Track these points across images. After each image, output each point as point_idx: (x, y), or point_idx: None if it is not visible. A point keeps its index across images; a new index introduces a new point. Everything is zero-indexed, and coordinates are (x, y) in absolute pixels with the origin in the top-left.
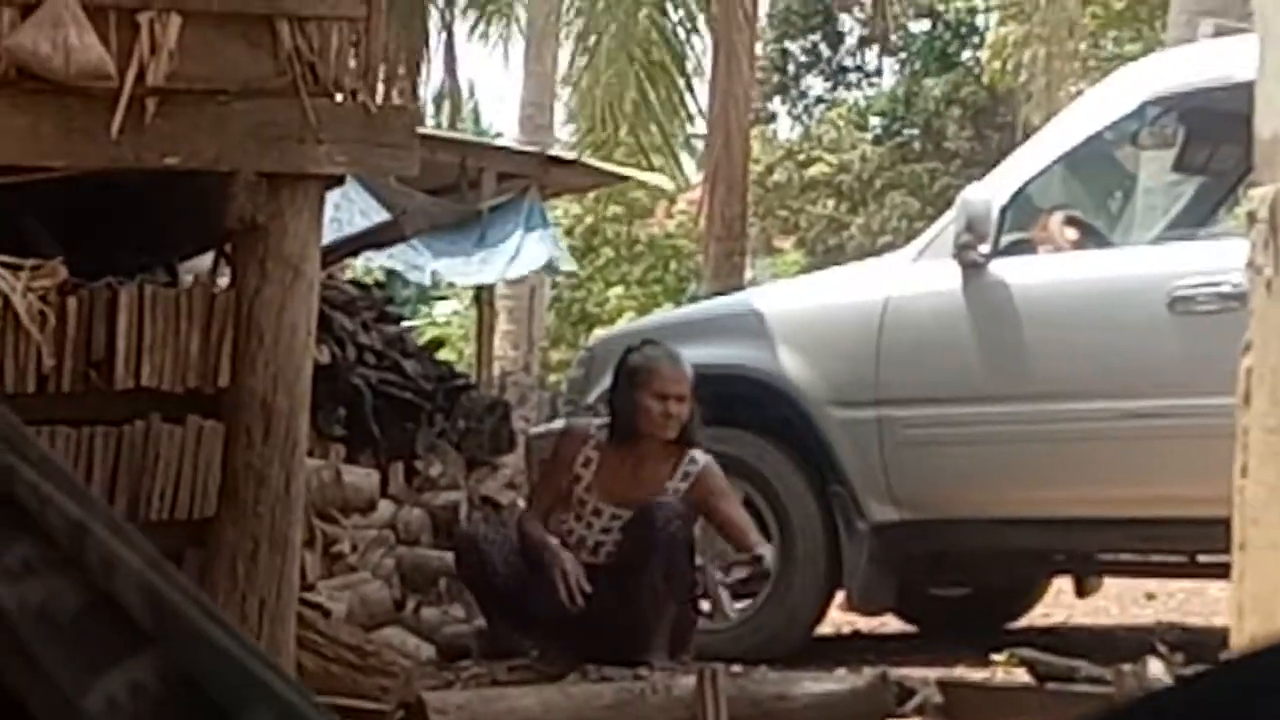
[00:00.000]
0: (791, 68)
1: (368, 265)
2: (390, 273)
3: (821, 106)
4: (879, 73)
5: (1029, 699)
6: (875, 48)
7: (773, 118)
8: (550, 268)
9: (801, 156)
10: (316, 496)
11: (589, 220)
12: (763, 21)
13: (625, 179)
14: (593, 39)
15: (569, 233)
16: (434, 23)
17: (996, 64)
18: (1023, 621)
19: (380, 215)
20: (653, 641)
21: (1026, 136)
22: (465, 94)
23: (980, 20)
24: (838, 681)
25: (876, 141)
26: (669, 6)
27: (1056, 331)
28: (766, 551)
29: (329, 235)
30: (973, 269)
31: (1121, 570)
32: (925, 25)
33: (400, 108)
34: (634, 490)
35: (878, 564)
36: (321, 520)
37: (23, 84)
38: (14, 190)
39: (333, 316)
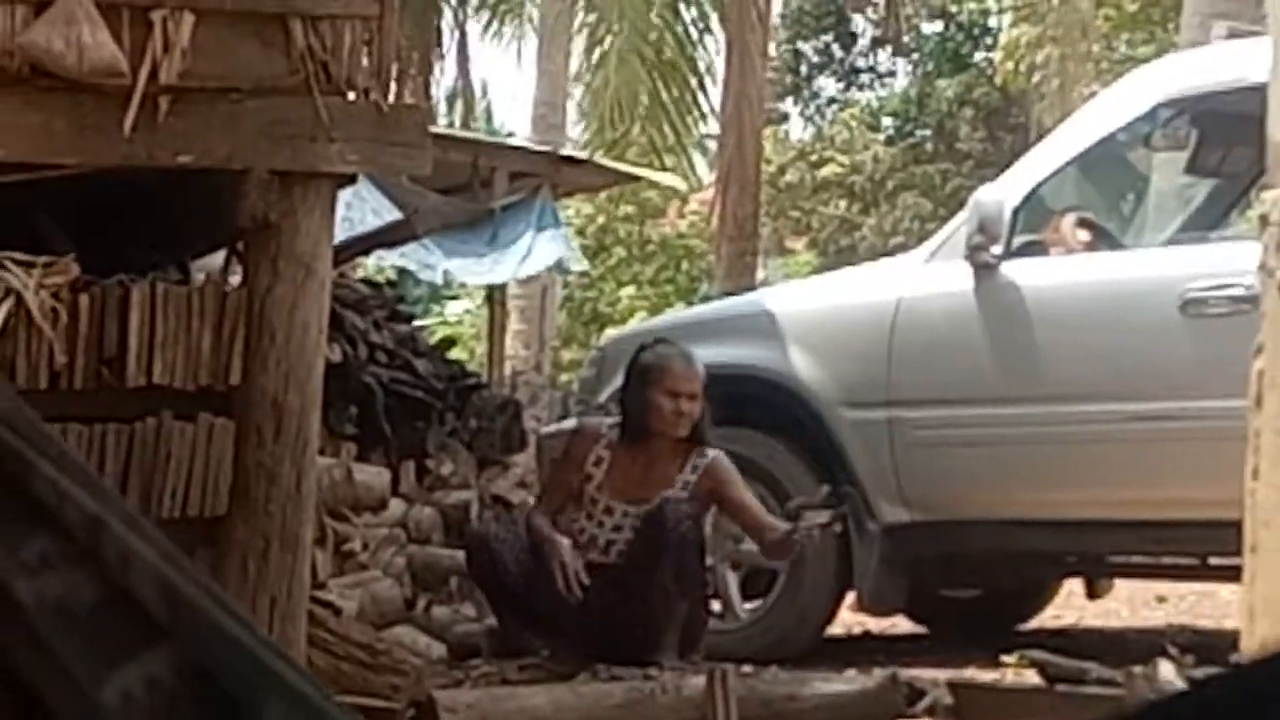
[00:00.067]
0: (804, 68)
1: (379, 264)
2: (402, 271)
3: (834, 107)
4: (892, 73)
5: (1039, 701)
6: (888, 49)
7: (785, 118)
8: (561, 267)
9: (814, 157)
10: (328, 495)
11: (601, 220)
12: (775, 22)
13: (637, 179)
14: (605, 39)
15: (581, 232)
16: (447, 22)
17: (1009, 65)
18: (1033, 623)
19: (392, 214)
20: (663, 641)
21: (1039, 138)
22: (478, 93)
23: (993, 21)
24: (848, 682)
25: (889, 142)
26: (681, 7)
27: (1068, 333)
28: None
29: (341, 234)
30: (985, 270)
31: (1133, 572)
32: (938, 26)
33: (413, 106)
34: (645, 488)
35: (888, 565)
36: (332, 518)
37: (36, 81)
38: (27, 187)
39: (344, 315)
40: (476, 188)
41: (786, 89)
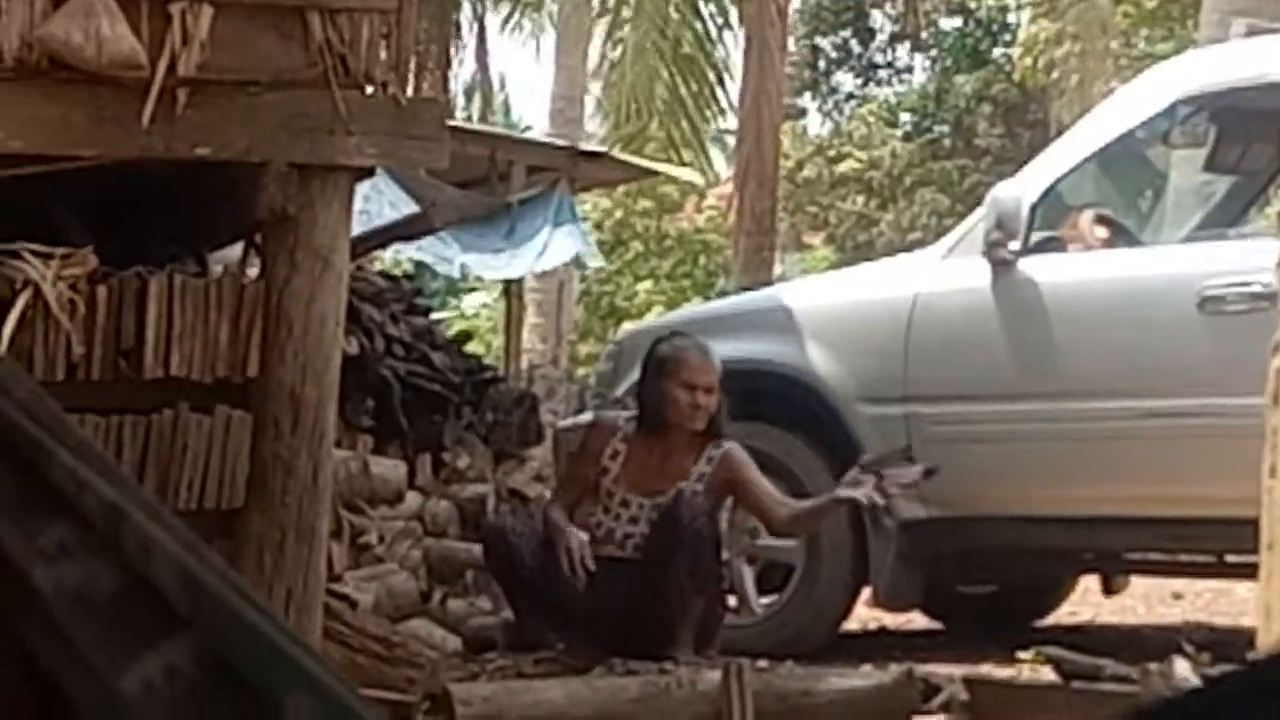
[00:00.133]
0: (822, 64)
1: (397, 257)
2: (419, 265)
3: (852, 103)
4: (910, 69)
5: (1055, 697)
6: (906, 44)
7: (803, 113)
8: (579, 262)
9: (832, 152)
10: (344, 487)
11: (618, 214)
12: (793, 17)
13: (655, 173)
14: (623, 33)
15: (598, 226)
16: (466, 15)
17: (1028, 61)
18: (1049, 619)
19: (410, 207)
20: (679, 636)
21: (1057, 134)
22: (496, 86)
23: (1012, 17)
24: (863, 678)
25: (907, 138)
26: (700, 2)
27: (1085, 330)
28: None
29: (358, 227)
30: (1002, 266)
31: (1149, 569)
32: (957, 22)
33: (430, 100)
34: (661, 480)
35: (905, 561)
36: (349, 511)
37: (55, 74)
38: (45, 179)
39: (361, 308)
40: (494, 181)
41: (805, 84)
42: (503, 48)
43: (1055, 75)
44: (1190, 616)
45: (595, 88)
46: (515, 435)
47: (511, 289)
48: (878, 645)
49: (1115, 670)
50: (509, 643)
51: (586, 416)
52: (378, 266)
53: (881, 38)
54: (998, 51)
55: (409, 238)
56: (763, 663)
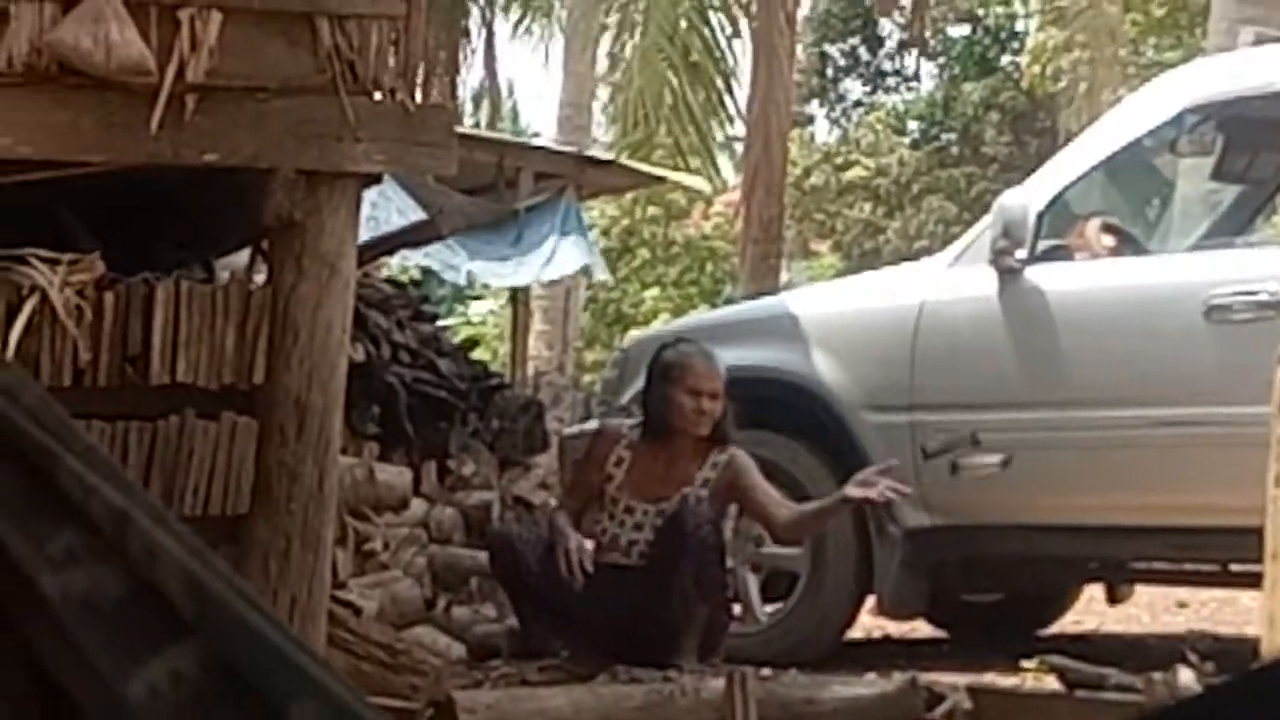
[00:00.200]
0: (830, 71)
1: (404, 264)
2: (426, 271)
3: (860, 110)
4: (918, 77)
5: (1059, 706)
6: (914, 52)
7: (811, 121)
8: (586, 273)
9: (839, 160)
10: (349, 494)
11: (625, 221)
12: (802, 25)
13: (662, 180)
14: (633, 37)
15: (605, 233)
16: (474, 21)
17: (1036, 69)
18: (1054, 628)
19: (417, 214)
20: (683, 644)
21: (1065, 142)
22: (504, 93)
23: (1020, 25)
24: (867, 686)
25: (914, 146)
26: (709, 9)
27: (1092, 338)
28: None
29: (365, 233)
30: (1009, 274)
31: (1154, 578)
32: (965, 30)
33: (439, 106)
34: (665, 486)
35: (909, 569)
36: (354, 518)
37: (64, 79)
38: (53, 185)
39: (368, 315)
40: (502, 188)
41: (813, 91)
42: (511, 53)
43: (1063, 83)
44: (1195, 626)
45: (603, 94)
46: (521, 442)
47: (518, 296)
48: (882, 653)
49: (1119, 679)
50: (513, 650)
51: (592, 424)
52: (385, 273)
53: (890, 45)
54: (1006, 59)
55: (416, 244)
56: (767, 671)
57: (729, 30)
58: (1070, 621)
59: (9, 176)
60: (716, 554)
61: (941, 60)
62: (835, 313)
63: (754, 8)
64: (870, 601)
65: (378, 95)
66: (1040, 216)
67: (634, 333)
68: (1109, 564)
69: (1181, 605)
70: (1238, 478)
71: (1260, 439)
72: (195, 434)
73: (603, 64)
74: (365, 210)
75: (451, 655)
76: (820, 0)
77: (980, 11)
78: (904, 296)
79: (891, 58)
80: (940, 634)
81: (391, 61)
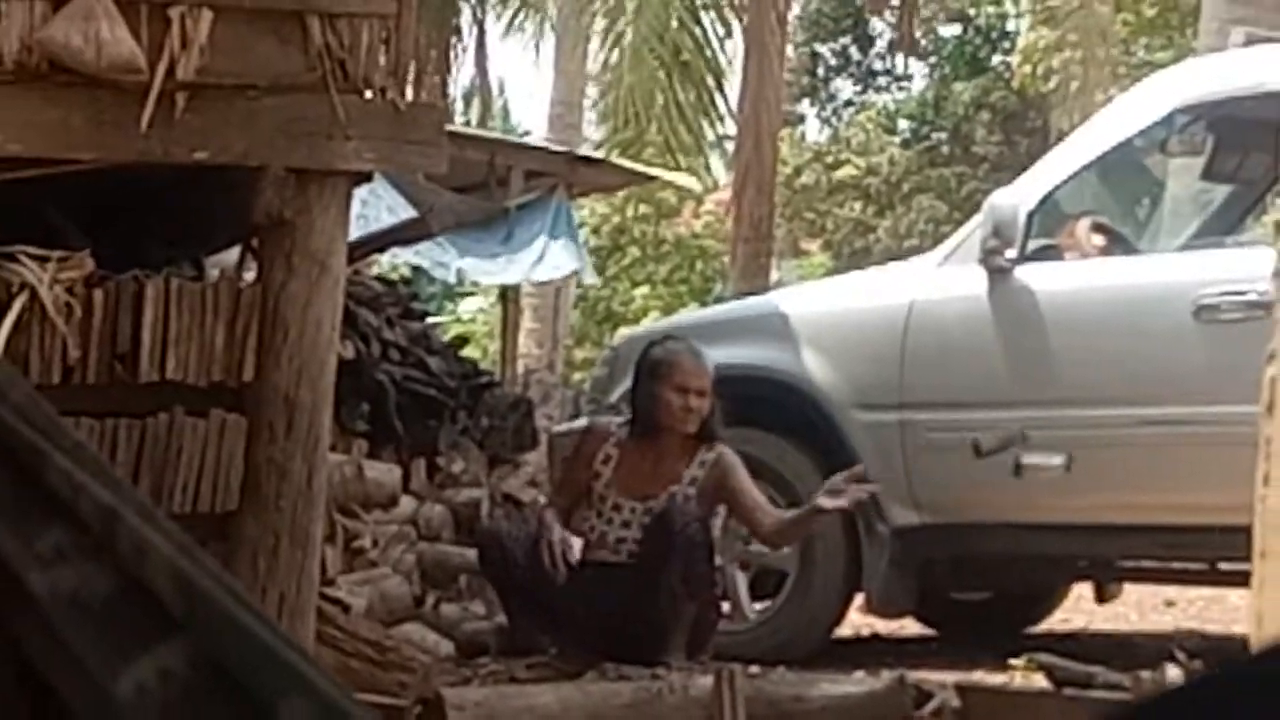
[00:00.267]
0: (821, 70)
1: (394, 262)
2: (416, 269)
3: (850, 109)
4: (908, 76)
5: (1047, 704)
6: (905, 51)
7: (802, 120)
8: (575, 276)
9: (830, 159)
10: (338, 491)
11: (616, 219)
12: (793, 24)
13: (653, 179)
14: (624, 35)
15: (596, 231)
16: (465, 19)
17: (1027, 69)
18: (1042, 626)
19: (407, 212)
20: (671, 641)
21: (1056, 142)
22: (495, 91)
23: (1011, 25)
24: (856, 684)
25: (905, 145)
26: (700, 8)
27: (1081, 338)
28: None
29: (355, 231)
30: (999, 274)
31: (1142, 577)
32: (956, 29)
33: (429, 105)
34: (653, 484)
35: (898, 567)
36: (343, 515)
37: (54, 77)
38: (43, 183)
39: (358, 312)
40: (492, 186)
41: (803, 91)
42: (502, 52)
43: (1054, 83)
44: (1183, 624)
45: (594, 93)
46: (510, 440)
47: (508, 294)
48: (870, 651)
49: (1107, 678)
50: (502, 647)
51: (581, 421)
52: (375, 271)
53: (880, 45)
54: (996, 59)
55: (406, 242)
56: (755, 668)
57: (720, 29)
58: (1059, 620)
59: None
60: (705, 551)
61: (932, 60)
62: (825, 311)
63: (745, 7)
64: (859, 599)
65: (368, 93)
66: (1030, 216)
67: (624, 331)
68: (1097, 562)
69: (1170, 604)
70: (1226, 477)
71: (1248, 438)
72: (184, 431)
73: (594, 62)
74: (355, 208)
75: (440, 652)
76: None
77: (971, 11)
78: (894, 295)
79: (882, 57)
80: (929, 632)
81: (382, 60)
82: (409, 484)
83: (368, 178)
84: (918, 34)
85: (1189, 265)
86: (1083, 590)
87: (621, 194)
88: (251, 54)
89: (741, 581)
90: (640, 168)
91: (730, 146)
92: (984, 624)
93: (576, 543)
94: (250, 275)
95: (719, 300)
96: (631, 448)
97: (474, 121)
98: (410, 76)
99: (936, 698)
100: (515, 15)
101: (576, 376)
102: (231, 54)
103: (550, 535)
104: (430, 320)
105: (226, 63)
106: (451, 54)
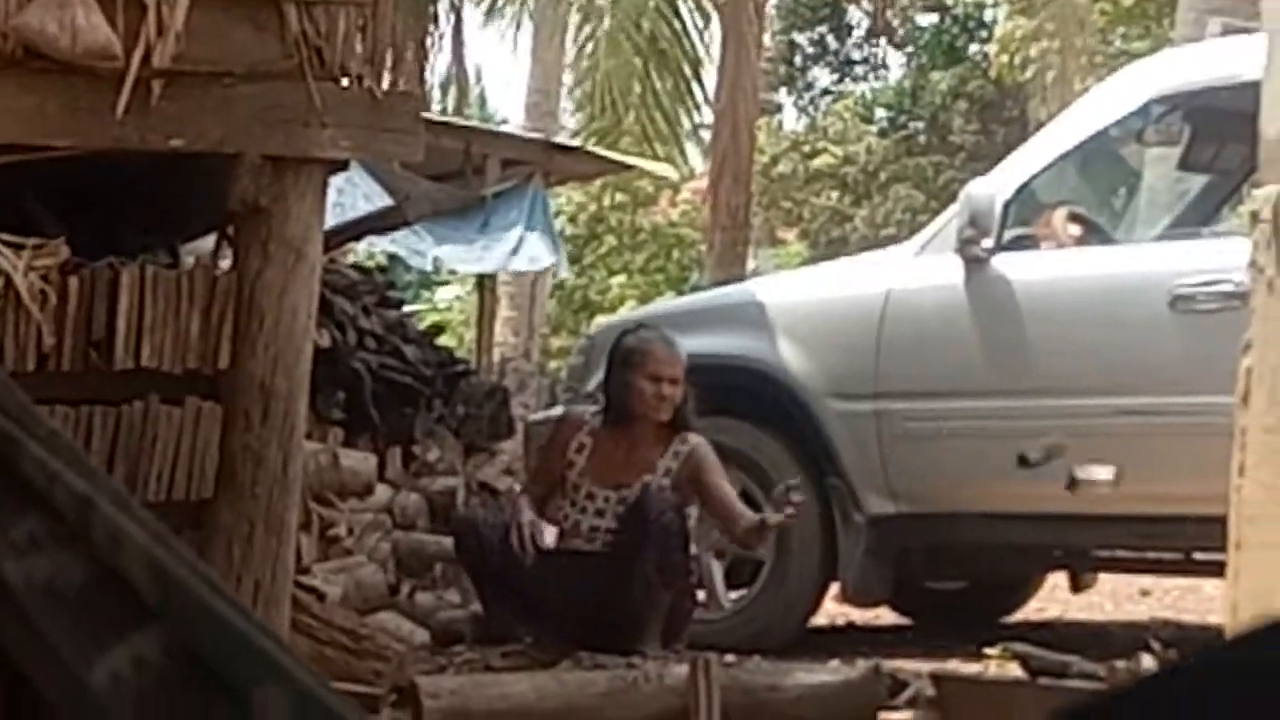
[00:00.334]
0: (798, 59)
1: (370, 250)
2: (392, 257)
3: (827, 98)
4: (885, 65)
5: (1022, 693)
6: (882, 40)
7: (778, 109)
8: (550, 268)
9: (806, 148)
10: (314, 480)
11: (592, 208)
12: (770, 12)
13: (630, 167)
14: (601, 23)
15: (572, 220)
16: (443, 6)
17: (1004, 59)
18: (1017, 616)
19: (383, 200)
20: (647, 630)
21: (1033, 132)
22: (472, 79)
23: (988, 14)
24: (831, 673)
25: (882, 134)
26: None
27: (1057, 328)
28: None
29: (332, 219)
30: (975, 264)
31: (1117, 566)
32: (933, 18)
33: (406, 93)
34: (626, 473)
35: (873, 556)
36: (318, 503)
37: (29, 63)
38: (17, 169)
39: (334, 300)
40: (469, 175)
41: (781, 79)
42: (479, 39)
43: (1031, 72)
44: (1158, 614)
45: (571, 81)
46: (486, 428)
47: (484, 283)
48: (846, 641)
49: (1082, 667)
50: (477, 636)
51: (557, 410)
52: (351, 259)
53: (858, 34)
54: (974, 48)
55: (383, 230)
56: (730, 657)
57: (698, 18)
58: (1033, 609)
59: None
60: (680, 540)
61: (909, 49)
62: (801, 301)
63: None
64: (834, 589)
65: (345, 81)
66: (1007, 205)
67: (600, 319)
68: (1072, 552)
69: (1145, 593)
70: (1201, 467)
71: (1224, 428)
72: (159, 419)
73: (571, 51)
74: (331, 196)
75: (415, 641)
76: None
77: (949, 1)
78: (870, 285)
79: (859, 46)
80: (904, 621)
81: (359, 47)
82: (384, 472)
83: (344, 165)
84: (895, 23)
85: (1165, 255)
86: (1058, 579)
87: (598, 182)
88: (227, 41)
89: (717, 570)
90: (617, 156)
91: (707, 135)
92: (959, 613)
93: (550, 530)
94: (226, 263)
95: (696, 289)
96: (605, 436)
97: (450, 109)
98: (387, 64)
99: (911, 687)
100: (493, 3)
101: (553, 365)
102: (207, 41)
103: (520, 517)
104: (406, 308)
105: (202, 50)
106: (429, 41)
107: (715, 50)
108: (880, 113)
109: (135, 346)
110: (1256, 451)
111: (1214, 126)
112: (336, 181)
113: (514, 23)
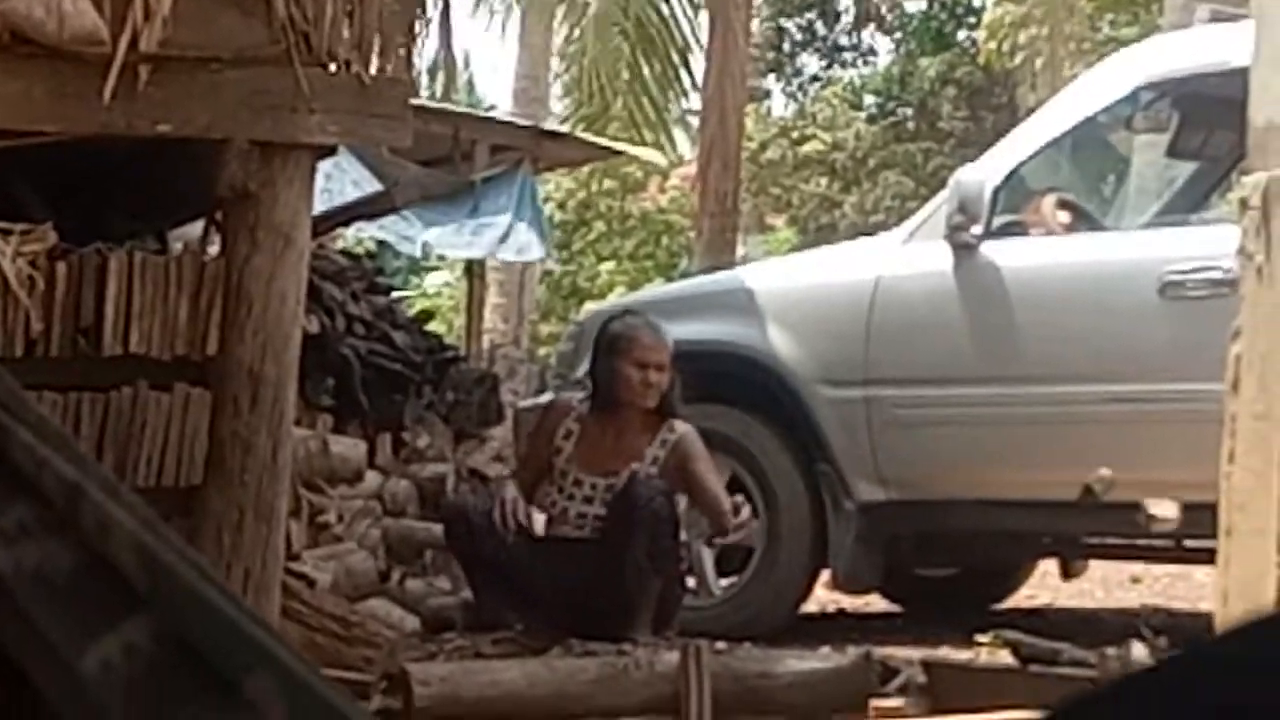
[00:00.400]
0: (787, 45)
1: (358, 235)
2: (381, 243)
3: (816, 84)
4: (874, 51)
5: (1012, 680)
6: (871, 26)
7: (767, 95)
8: (538, 258)
9: (795, 134)
10: (303, 466)
11: (581, 194)
12: None
13: (618, 153)
14: (588, 9)
15: (561, 206)
16: None
17: (993, 45)
18: (1008, 603)
19: (372, 185)
20: (637, 617)
21: (1022, 118)
22: (460, 65)
23: (977, 1)
24: (821, 660)
25: (871, 120)
26: None
27: (1047, 314)
28: (745, 512)
29: (320, 205)
30: (964, 250)
31: (1107, 554)
32: (922, 5)
33: (394, 79)
34: (614, 459)
35: (864, 543)
36: (308, 490)
37: (16, 48)
38: (4, 155)
39: (322, 286)
40: (457, 160)
41: (769, 66)
42: (467, 26)
43: (1020, 59)
44: (1148, 601)
45: (559, 67)
46: (476, 415)
47: (474, 268)
48: (836, 627)
49: (1073, 654)
50: (467, 623)
51: (547, 397)
52: (339, 245)
53: (846, 20)
54: (962, 34)
55: (371, 216)
56: (721, 644)
57: (686, 4)
58: (1024, 596)
59: None
60: (670, 527)
61: (898, 35)
62: (791, 287)
63: None
64: (825, 576)
65: (333, 67)
66: (996, 192)
67: (589, 306)
68: (1063, 539)
69: (1135, 580)
70: (1191, 454)
71: (1214, 415)
72: (148, 405)
73: (559, 36)
74: (320, 182)
75: (405, 628)
76: None
77: None
78: (859, 271)
79: (848, 32)
80: (894, 608)
81: (346, 33)
82: (374, 459)
83: (332, 151)
84: (883, 9)
85: (1154, 242)
86: (1048, 566)
87: (587, 169)
88: (215, 26)
89: (707, 557)
90: (605, 142)
91: (695, 121)
92: (950, 600)
93: (539, 517)
94: (214, 249)
95: (685, 275)
96: (592, 423)
97: (438, 95)
98: (375, 49)
99: (902, 674)
100: None
101: (542, 351)
102: (195, 26)
103: (503, 494)
104: (395, 295)
105: (190, 35)
106: (417, 26)
107: (703, 36)
108: (869, 99)
109: (124, 332)
110: (1246, 438)
111: (1203, 113)
112: (325, 167)
113: (502, 8)
